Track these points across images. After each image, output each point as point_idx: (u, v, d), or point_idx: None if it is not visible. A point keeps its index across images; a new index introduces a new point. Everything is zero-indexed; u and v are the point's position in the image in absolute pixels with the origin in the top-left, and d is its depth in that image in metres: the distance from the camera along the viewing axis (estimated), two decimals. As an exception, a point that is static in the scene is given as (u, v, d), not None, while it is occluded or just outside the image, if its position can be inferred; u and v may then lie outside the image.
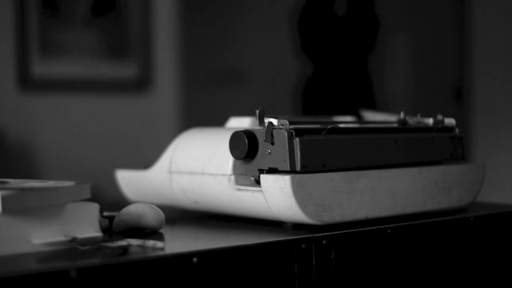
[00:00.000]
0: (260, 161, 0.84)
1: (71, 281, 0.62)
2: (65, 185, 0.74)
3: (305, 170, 0.81)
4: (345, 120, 1.01)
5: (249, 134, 0.84)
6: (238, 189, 0.86)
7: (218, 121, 1.19)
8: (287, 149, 0.81)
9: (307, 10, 3.27)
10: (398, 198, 0.90)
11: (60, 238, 0.72)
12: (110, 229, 0.84)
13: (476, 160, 3.12)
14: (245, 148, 0.84)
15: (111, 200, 1.45)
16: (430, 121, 0.99)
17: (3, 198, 0.68)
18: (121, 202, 1.05)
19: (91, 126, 2.85)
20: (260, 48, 3.41)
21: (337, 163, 0.84)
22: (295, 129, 0.82)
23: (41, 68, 2.73)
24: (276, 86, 3.42)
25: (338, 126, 0.86)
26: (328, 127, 0.85)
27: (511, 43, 3.16)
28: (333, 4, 3.22)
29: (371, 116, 1.10)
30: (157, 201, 1.00)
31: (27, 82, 2.70)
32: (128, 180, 1.05)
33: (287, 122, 0.82)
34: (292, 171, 0.81)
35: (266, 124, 0.82)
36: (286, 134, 0.81)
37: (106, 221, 0.84)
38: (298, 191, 0.80)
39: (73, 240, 0.73)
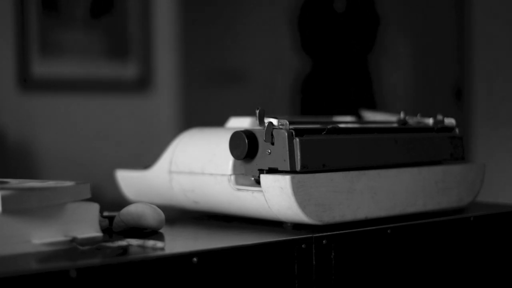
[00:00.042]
0: (260, 161, 0.84)
1: (71, 281, 0.62)
2: (65, 185, 0.74)
3: (305, 170, 0.81)
4: (345, 120, 1.01)
5: (249, 134, 0.84)
6: (238, 189, 0.86)
7: (218, 121, 1.19)
8: (287, 149, 0.81)
9: (306, 8, 3.27)
10: (398, 198, 0.90)
11: (60, 238, 0.72)
12: (110, 229, 0.84)
13: (476, 160, 3.12)
14: (245, 148, 0.84)
15: (111, 200, 1.45)
16: (430, 121, 0.99)
17: (3, 198, 0.68)
18: (121, 202, 1.05)
19: (91, 126, 2.85)
20: (260, 48, 3.41)
21: (337, 163, 0.84)
22: (295, 129, 0.82)
23: (41, 68, 2.73)
24: (276, 86, 3.42)
25: (338, 126, 0.86)
26: (328, 127, 0.85)
27: (511, 43, 3.16)
28: (332, 1, 3.22)
29: (371, 116, 1.10)
30: (157, 201, 1.00)
31: (27, 82, 2.70)
32: (128, 180, 1.05)
33: (287, 122, 0.82)
34: (292, 171, 0.81)
35: (266, 124, 0.82)
36: (286, 134, 0.81)
37: (106, 221, 0.84)
38: (298, 191, 0.80)
39: (73, 240, 0.73)
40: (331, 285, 0.80)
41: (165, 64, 3.02)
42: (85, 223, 0.75)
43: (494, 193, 2.03)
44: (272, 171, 0.83)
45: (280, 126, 0.82)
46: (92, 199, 0.76)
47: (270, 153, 0.83)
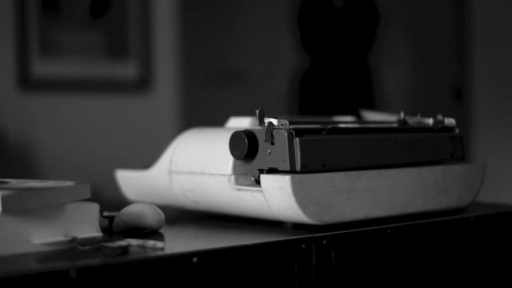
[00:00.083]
0: (260, 161, 0.84)
1: (71, 281, 0.62)
2: (65, 185, 0.74)
3: (305, 170, 0.81)
4: (345, 120, 1.01)
5: (249, 134, 0.84)
6: (238, 189, 0.86)
7: (218, 121, 1.19)
8: (287, 149, 0.81)
9: (306, 5, 3.27)
10: (398, 198, 0.90)
11: (60, 238, 0.72)
12: (110, 229, 0.84)
13: (476, 160, 3.12)
14: (245, 148, 0.84)
15: (111, 200, 1.45)
16: (430, 121, 0.99)
17: (3, 198, 0.68)
18: (121, 202, 1.05)
19: (91, 126, 2.85)
20: (260, 48, 3.41)
21: (337, 163, 0.84)
22: (295, 129, 0.82)
23: (41, 68, 2.73)
24: (276, 86, 3.42)
25: (338, 126, 0.86)
26: (328, 127, 0.85)
27: (511, 43, 3.16)
28: None
29: (371, 116, 1.10)
30: (157, 201, 1.00)
31: (27, 82, 2.70)
32: (128, 180, 1.05)
33: (287, 122, 0.82)
34: (292, 171, 0.81)
35: (266, 124, 0.82)
36: (286, 134, 0.81)
37: (106, 221, 0.84)
38: (298, 191, 0.80)
39: (73, 240, 0.73)
40: (331, 285, 0.80)
41: (165, 64, 3.02)
42: (85, 223, 0.75)
43: (494, 193, 2.03)
44: (272, 171, 0.83)
45: (280, 126, 0.82)
46: (92, 199, 0.76)
47: (270, 153, 0.83)
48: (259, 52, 3.40)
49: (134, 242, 0.73)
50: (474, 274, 0.96)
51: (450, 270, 0.93)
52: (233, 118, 0.98)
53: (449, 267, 0.92)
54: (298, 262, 0.78)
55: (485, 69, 3.23)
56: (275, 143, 0.82)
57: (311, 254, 0.79)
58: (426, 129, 0.96)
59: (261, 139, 0.83)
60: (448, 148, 0.97)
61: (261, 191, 0.83)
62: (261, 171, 0.84)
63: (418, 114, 1.01)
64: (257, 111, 0.83)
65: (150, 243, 0.73)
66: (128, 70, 2.91)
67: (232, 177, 0.87)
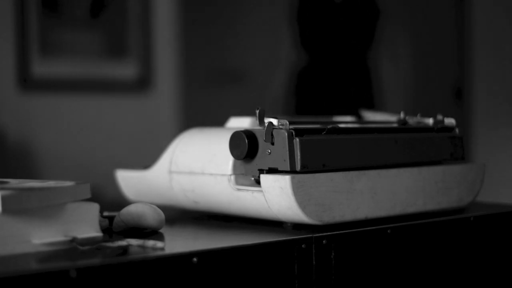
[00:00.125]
0: (260, 161, 0.84)
1: (71, 281, 0.62)
2: (65, 185, 0.74)
3: (305, 170, 0.81)
4: (345, 120, 1.01)
5: (249, 134, 0.84)
6: (238, 189, 0.86)
7: (218, 121, 1.19)
8: (287, 149, 0.81)
9: (305, 3, 3.27)
10: (398, 198, 0.90)
11: (60, 238, 0.72)
12: (110, 229, 0.84)
13: (476, 160, 3.13)
14: (245, 148, 0.84)
15: (111, 200, 1.45)
16: (430, 121, 0.99)
17: (3, 198, 0.68)
18: (121, 202, 1.05)
19: (91, 126, 2.85)
20: (260, 48, 3.41)
21: (337, 163, 0.84)
22: (295, 129, 0.82)
23: (41, 68, 2.73)
24: (276, 86, 3.42)
25: (338, 126, 0.86)
26: (328, 127, 0.85)
27: (511, 43, 3.16)
28: None
29: (371, 116, 1.10)
30: (157, 201, 1.00)
31: (27, 82, 2.70)
32: (128, 180, 1.05)
33: (287, 122, 0.82)
34: (292, 171, 0.81)
35: (266, 124, 0.82)
36: (286, 134, 0.81)
37: (106, 221, 0.84)
38: (298, 191, 0.80)
39: (73, 240, 0.73)
40: (331, 285, 0.80)
41: (165, 64, 3.02)
42: (85, 223, 0.75)
43: (494, 193, 2.03)
44: (272, 171, 0.83)
45: (280, 126, 0.82)
46: (92, 199, 0.76)
47: (270, 153, 0.83)
48: (259, 52, 3.40)
49: (134, 242, 0.73)
50: (474, 274, 0.96)
51: (450, 270, 0.93)
52: (233, 118, 0.98)
53: (449, 267, 0.92)
54: (298, 262, 0.78)
55: (485, 69, 3.23)
56: (275, 143, 0.82)
57: (311, 254, 0.79)
58: (426, 129, 0.96)
59: (261, 139, 0.83)
60: (448, 148, 0.97)
61: (261, 191, 0.83)
62: (261, 171, 0.84)
63: (418, 114, 1.01)
64: (257, 111, 0.83)
65: (150, 243, 0.73)
66: (128, 70, 2.91)
67: (232, 177, 0.87)
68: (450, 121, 0.99)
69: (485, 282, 0.97)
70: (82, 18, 2.81)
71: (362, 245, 0.83)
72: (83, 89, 2.83)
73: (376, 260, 0.85)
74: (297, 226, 0.85)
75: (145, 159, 1.56)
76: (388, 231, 0.85)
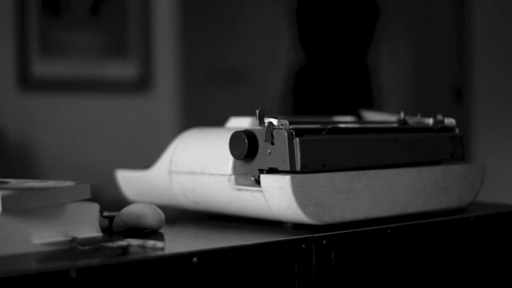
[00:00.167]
0: (260, 161, 0.84)
1: (71, 281, 0.62)
2: (65, 185, 0.74)
3: (305, 170, 0.81)
4: (345, 120, 1.01)
5: (249, 134, 0.84)
6: (238, 189, 0.86)
7: (218, 121, 1.19)
8: (287, 149, 0.81)
9: (304, 2, 3.27)
10: (398, 198, 0.90)
11: (60, 238, 0.72)
12: (110, 229, 0.84)
13: (476, 160, 3.13)
14: (245, 148, 0.84)
15: (111, 200, 1.45)
16: (430, 121, 0.99)
17: (3, 198, 0.68)
18: (121, 202, 1.05)
19: (91, 126, 2.85)
20: (260, 48, 3.41)
21: (337, 163, 0.84)
22: (295, 129, 0.82)
23: (41, 68, 2.73)
24: (276, 86, 3.42)
25: (338, 126, 0.86)
26: (328, 127, 0.85)
27: (511, 43, 3.16)
28: None
29: (371, 116, 1.10)
30: (157, 201, 1.00)
31: (27, 82, 2.70)
32: (128, 180, 1.05)
33: (287, 122, 0.82)
34: (292, 171, 0.81)
35: (266, 124, 0.82)
36: (286, 134, 0.81)
37: (106, 221, 0.84)
38: (298, 191, 0.80)
39: (73, 240, 0.73)
40: (331, 285, 0.80)
41: (165, 64, 3.02)
42: (85, 223, 0.75)
43: (494, 193, 2.03)
44: (272, 171, 0.83)
45: (280, 126, 0.82)
46: (92, 199, 0.76)
47: (270, 153, 0.83)
48: (259, 52, 3.40)
49: (134, 242, 0.73)
50: (474, 274, 0.96)
51: (450, 270, 0.93)
52: (233, 118, 0.98)
53: (449, 267, 0.92)
54: (298, 262, 0.78)
55: (485, 69, 3.23)
56: (275, 143, 0.82)
57: (311, 254, 0.79)
58: (426, 129, 0.96)
59: (261, 139, 0.83)
60: (448, 148, 0.97)
61: (261, 191, 0.83)
62: (261, 171, 0.84)
63: (418, 114, 1.01)
64: (257, 111, 0.83)
65: (150, 243, 0.73)
66: (128, 70, 2.91)
67: (232, 177, 0.87)
68: (450, 121, 0.99)
69: (485, 282, 0.97)
70: (82, 18, 2.81)
71: (362, 245, 0.83)
72: (83, 89, 2.83)
73: (376, 260, 0.85)
74: (297, 226, 0.85)
75: (145, 159, 1.56)
76: (388, 231, 0.85)
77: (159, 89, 3.00)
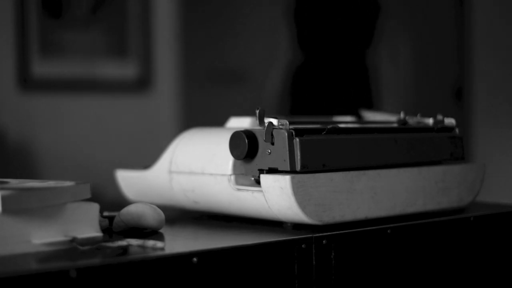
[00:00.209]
0: (260, 161, 0.84)
1: (71, 281, 0.62)
2: (65, 185, 0.74)
3: (305, 170, 0.81)
4: (345, 120, 1.01)
5: (249, 134, 0.84)
6: (238, 189, 0.86)
7: (218, 121, 1.19)
8: (287, 149, 0.81)
9: (302, 2, 3.27)
10: (398, 198, 0.90)
11: (60, 238, 0.72)
12: (110, 229, 0.84)
13: (476, 160, 3.13)
14: (245, 148, 0.84)
15: (111, 200, 1.45)
16: (430, 121, 0.99)
17: (3, 198, 0.68)
18: (121, 202, 1.05)
19: (91, 126, 2.85)
20: (260, 48, 3.41)
21: (337, 163, 0.84)
22: (295, 129, 0.82)
23: (41, 68, 2.73)
24: (276, 86, 3.42)
25: (338, 126, 0.86)
26: (328, 127, 0.85)
27: (511, 43, 3.16)
28: None
29: (371, 116, 1.10)
30: (157, 201, 1.00)
31: (27, 82, 2.70)
32: (128, 180, 1.05)
33: (287, 122, 0.82)
34: (292, 171, 0.81)
35: (266, 124, 0.82)
36: (286, 134, 0.81)
37: (106, 221, 0.84)
38: (298, 191, 0.80)
39: (73, 240, 0.73)
40: (331, 285, 0.80)
41: (165, 64, 3.02)
42: (85, 223, 0.75)
43: (494, 193, 2.03)
44: (272, 171, 0.83)
45: (280, 126, 0.82)
46: (92, 199, 0.76)
47: (270, 153, 0.83)
48: (259, 52, 3.40)
49: (134, 242, 0.73)
50: (474, 274, 0.96)
51: (450, 270, 0.93)
52: (233, 118, 0.98)
53: (449, 267, 0.92)
54: (298, 262, 0.78)
55: (485, 69, 3.23)
56: (275, 143, 0.82)
57: (311, 254, 0.79)
58: (426, 129, 0.96)
59: (261, 139, 0.83)
60: (448, 148, 0.97)
61: (261, 191, 0.83)
62: (261, 171, 0.84)
63: (418, 114, 1.01)
64: (257, 111, 0.83)
65: (150, 243, 0.73)
66: (128, 70, 2.91)
67: (232, 177, 0.87)
68: (450, 121, 0.99)
69: (485, 282, 0.97)
70: (82, 18, 2.81)
71: (362, 245, 0.83)
72: (83, 89, 2.83)
73: (376, 260, 0.85)
74: (297, 226, 0.85)
75: (145, 159, 1.56)
76: (388, 231, 0.85)
77: (159, 89, 3.00)
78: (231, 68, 3.35)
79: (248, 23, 3.38)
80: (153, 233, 0.83)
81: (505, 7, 3.17)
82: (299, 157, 0.81)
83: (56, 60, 2.76)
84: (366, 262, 0.84)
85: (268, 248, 0.76)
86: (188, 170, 0.93)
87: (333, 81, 3.25)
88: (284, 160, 0.81)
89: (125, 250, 0.71)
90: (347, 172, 0.84)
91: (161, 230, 0.84)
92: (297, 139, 0.81)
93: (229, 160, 0.87)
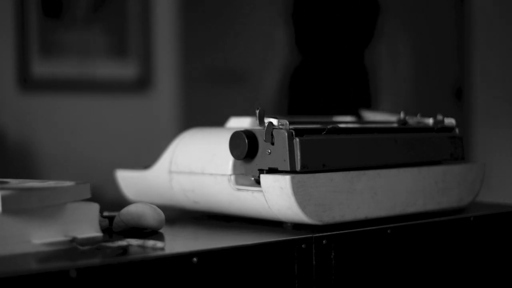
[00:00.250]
0: (260, 161, 0.84)
1: (71, 281, 0.62)
2: (65, 185, 0.74)
3: (305, 170, 0.81)
4: (345, 120, 1.01)
5: (249, 134, 0.84)
6: (238, 189, 0.86)
7: (218, 121, 1.19)
8: (287, 149, 0.81)
9: (301, 1, 3.27)
10: (398, 198, 0.90)
11: (60, 238, 0.72)
12: (110, 229, 0.84)
13: (476, 160, 3.13)
14: (245, 148, 0.84)
15: (111, 200, 1.45)
16: (430, 121, 0.99)
17: (3, 198, 0.68)
18: (121, 202, 1.05)
19: (91, 126, 2.86)
20: (260, 48, 3.41)
21: (337, 163, 0.84)
22: (295, 129, 0.82)
23: (41, 68, 2.73)
24: (277, 86, 3.42)
25: (338, 126, 0.86)
26: (328, 127, 0.85)
27: (511, 43, 3.16)
28: None
29: (371, 116, 1.10)
30: (157, 201, 1.00)
31: (27, 82, 2.70)
32: (128, 180, 1.05)
33: (287, 122, 0.82)
34: (292, 171, 0.81)
35: (266, 124, 0.82)
36: (286, 134, 0.81)
37: (106, 221, 0.84)
38: (298, 191, 0.80)
39: (73, 240, 0.73)
40: (331, 285, 0.80)
41: (165, 64, 3.02)
42: (85, 223, 0.75)
43: (494, 193, 2.03)
44: (272, 171, 0.83)
45: (280, 126, 0.82)
46: (92, 199, 0.76)
47: (270, 153, 0.83)
48: (259, 52, 3.40)
49: (134, 242, 0.73)
50: (474, 274, 0.96)
51: (450, 270, 0.93)
52: (233, 118, 0.98)
53: (449, 267, 0.92)
54: (298, 262, 0.78)
55: (485, 69, 3.23)
56: (275, 143, 0.82)
57: (311, 254, 0.79)
58: (426, 129, 0.96)
59: (261, 139, 0.83)
60: (448, 148, 0.97)
61: (261, 191, 0.83)
62: (261, 171, 0.84)
63: (418, 114, 1.01)
64: (257, 111, 0.83)
65: (150, 243, 0.73)
66: (128, 70, 2.91)
67: (232, 177, 0.87)
68: (450, 121, 0.99)
69: (485, 282, 0.97)
70: (82, 18, 2.81)
71: (362, 245, 0.83)
72: (83, 89, 2.83)
73: (376, 260, 0.85)
74: (297, 226, 0.85)
75: (145, 159, 1.56)
76: (388, 231, 0.85)
77: (159, 89, 3.00)
78: (231, 68, 3.34)
79: (248, 23, 3.38)
80: (153, 233, 0.83)
81: (505, 7, 3.17)
82: (299, 157, 0.81)
83: (56, 60, 2.76)
84: (366, 262, 0.84)
85: (268, 248, 0.76)
86: (188, 170, 0.93)
87: (333, 81, 3.25)
88: (284, 160, 0.81)
89: (125, 250, 0.71)
90: (347, 172, 0.84)
91: (161, 230, 0.84)
92: (297, 139, 0.81)
93: (229, 160, 0.87)
